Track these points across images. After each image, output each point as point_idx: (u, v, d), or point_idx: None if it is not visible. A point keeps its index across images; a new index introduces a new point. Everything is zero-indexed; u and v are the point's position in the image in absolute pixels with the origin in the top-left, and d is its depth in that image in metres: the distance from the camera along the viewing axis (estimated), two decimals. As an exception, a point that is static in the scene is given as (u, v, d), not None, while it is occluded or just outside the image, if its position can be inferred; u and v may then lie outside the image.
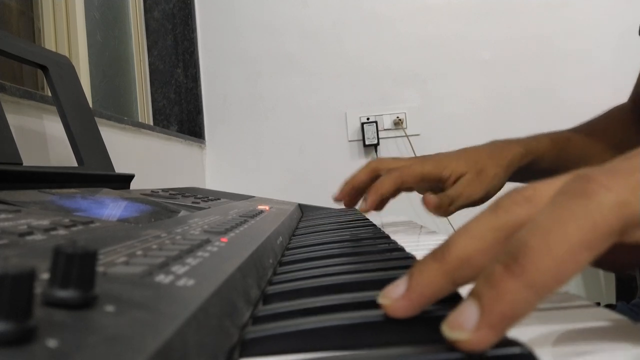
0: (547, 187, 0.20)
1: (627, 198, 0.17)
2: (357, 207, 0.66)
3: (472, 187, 0.60)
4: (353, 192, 0.64)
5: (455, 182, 0.60)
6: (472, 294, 0.17)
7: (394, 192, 0.61)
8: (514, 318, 0.16)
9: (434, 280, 0.19)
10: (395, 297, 0.19)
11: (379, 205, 0.61)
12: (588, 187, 0.17)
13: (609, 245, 0.17)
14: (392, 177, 0.60)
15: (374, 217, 0.80)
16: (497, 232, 0.20)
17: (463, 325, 0.16)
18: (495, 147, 0.64)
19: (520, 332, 0.19)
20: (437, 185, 0.62)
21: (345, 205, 0.65)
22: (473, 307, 0.17)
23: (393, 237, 0.50)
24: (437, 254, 0.20)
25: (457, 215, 0.62)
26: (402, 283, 0.20)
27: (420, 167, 0.62)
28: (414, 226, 0.71)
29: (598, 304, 0.31)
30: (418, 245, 0.45)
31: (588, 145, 0.69)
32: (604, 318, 0.22)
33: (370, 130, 1.70)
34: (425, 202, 0.58)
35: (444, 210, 0.59)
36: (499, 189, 0.62)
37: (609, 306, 0.63)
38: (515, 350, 0.17)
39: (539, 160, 0.65)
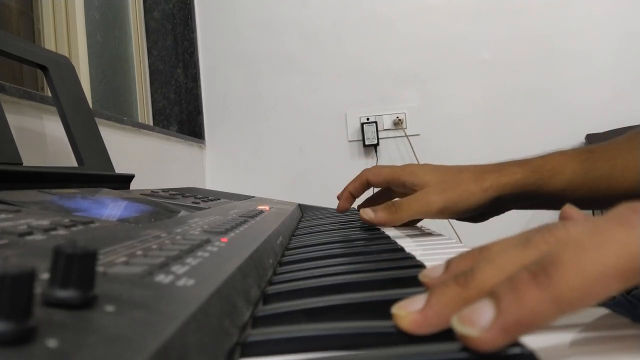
0: (580, 231, 0.19)
1: None
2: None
3: (428, 197, 0.56)
4: (353, 200, 0.68)
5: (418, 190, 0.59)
6: (491, 294, 0.17)
7: (362, 190, 0.67)
8: (529, 327, 0.16)
9: (453, 304, 0.19)
10: (411, 310, 0.19)
11: (350, 201, 0.67)
12: (633, 217, 0.17)
13: None
14: (359, 177, 0.67)
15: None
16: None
17: (475, 322, 0.16)
18: (484, 168, 0.59)
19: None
20: (406, 192, 0.61)
21: (342, 210, 0.68)
22: (489, 306, 0.16)
23: (393, 237, 0.50)
24: (461, 279, 0.20)
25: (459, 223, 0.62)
26: (420, 299, 0.20)
27: (388, 171, 0.64)
28: (413, 227, 0.71)
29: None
30: (418, 246, 0.45)
31: (616, 154, 0.56)
32: (604, 318, 0.22)
33: (370, 131, 1.70)
34: (361, 216, 0.59)
35: (385, 218, 0.57)
36: (472, 208, 0.55)
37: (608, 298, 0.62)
38: (515, 350, 0.17)
39: (552, 178, 0.56)
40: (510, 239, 0.21)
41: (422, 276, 0.23)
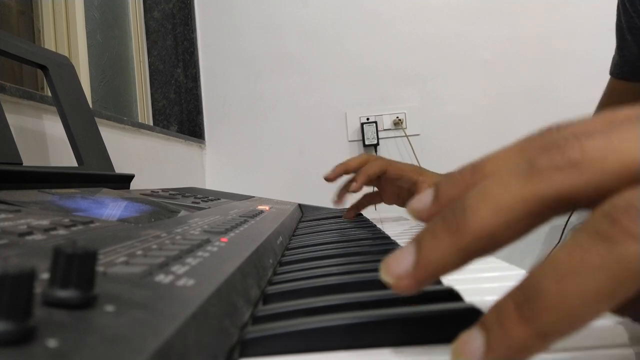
0: (598, 148, 0.16)
1: None
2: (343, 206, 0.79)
3: None
4: (342, 174, 0.76)
5: None
6: (482, 322, 0.16)
7: (379, 176, 0.74)
8: (519, 357, 0.16)
9: (447, 258, 0.17)
10: (401, 273, 0.18)
11: (367, 183, 0.72)
12: (612, 232, 0.15)
13: (631, 294, 0.15)
14: (378, 162, 0.74)
15: (372, 215, 0.81)
16: (530, 206, 0.16)
17: (469, 356, 0.16)
18: None
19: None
20: (410, 190, 0.72)
21: (329, 180, 0.76)
22: (479, 339, 0.16)
23: (393, 236, 0.50)
24: (451, 222, 0.17)
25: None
26: (408, 255, 0.18)
27: (402, 166, 0.75)
28: (410, 223, 0.71)
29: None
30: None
31: None
32: (604, 318, 0.22)
33: (370, 131, 1.70)
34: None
35: None
36: None
37: None
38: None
39: None
40: (510, 154, 0.18)
41: (410, 209, 0.20)
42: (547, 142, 0.17)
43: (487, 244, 0.17)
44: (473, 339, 0.16)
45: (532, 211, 0.16)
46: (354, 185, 0.73)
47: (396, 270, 0.18)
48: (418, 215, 0.20)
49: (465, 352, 0.16)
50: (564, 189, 0.16)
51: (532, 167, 0.17)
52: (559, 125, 0.18)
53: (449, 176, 0.20)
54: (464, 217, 0.17)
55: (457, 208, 0.17)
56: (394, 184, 0.77)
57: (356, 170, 0.77)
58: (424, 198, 0.20)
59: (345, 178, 0.79)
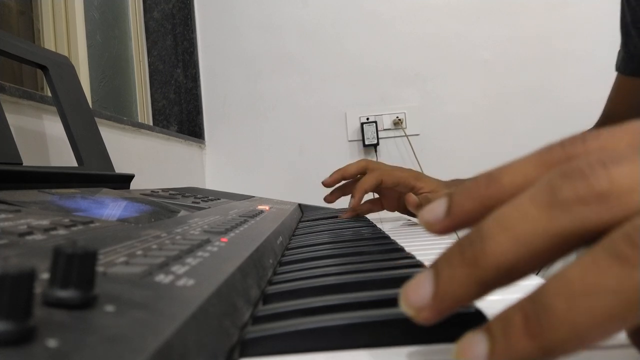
0: (628, 177, 0.15)
1: None
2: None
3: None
4: (340, 180, 0.77)
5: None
6: (488, 328, 0.16)
7: (375, 188, 0.74)
8: None
9: (465, 289, 0.17)
10: (420, 305, 0.17)
11: (362, 197, 0.74)
12: (631, 255, 0.14)
13: None
14: (374, 175, 0.74)
15: (373, 216, 0.81)
16: (552, 240, 0.16)
17: (471, 359, 0.16)
18: (459, 183, 0.75)
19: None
20: (396, 193, 0.75)
21: (326, 185, 0.79)
22: (483, 344, 0.16)
23: (392, 236, 0.50)
24: (469, 253, 0.17)
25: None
26: (426, 285, 0.17)
27: (399, 173, 0.75)
28: (411, 224, 0.71)
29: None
30: (418, 246, 0.45)
31: None
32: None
33: (370, 130, 1.70)
34: (407, 201, 0.67)
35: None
36: None
37: None
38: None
39: None
40: (529, 168, 0.17)
41: (422, 220, 0.20)
42: (572, 168, 0.16)
43: (506, 277, 0.16)
44: (477, 343, 0.16)
45: (554, 245, 0.16)
46: (352, 202, 0.75)
47: (415, 301, 0.17)
48: (430, 228, 0.19)
49: (467, 354, 0.16)
50: (589, 224, 0.15)
51: (555, 198, 0.16)
52: (584, 138, 0.17)
53: (463, 187, 0.19)
54: (483, 248, 0.16)
55: (475, 237, 0.17)
56: (394, 190, 0.78)
57: (354, 176, 0.78)
58: (436, 209, 0.19)
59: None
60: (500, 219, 0.16)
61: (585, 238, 0.15)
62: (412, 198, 0.67)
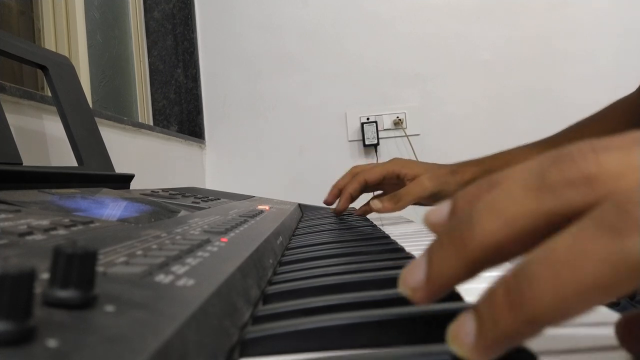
0: (616, 163, 0.15)
1: None
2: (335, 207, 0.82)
3: (423, 183, 0.71)
4: (339, 194, 0.78)
5: (411, 181, 0.73)
6: (475, 308, 0.16)
7: (361, 191, 0.77)
8: (509, 344, 0.15)
9: (455, 270, 0.17)
10: (414, 285, 0.18)
11: (350, 202, 0.77)
12: (621, 224, 0.14)
13: (627, 290, 0.14)
14: (356, 179, 0.77)
15: (373, 216, 0.81)
16: (538, 221, 0.16)
17: (462, 340, 0.16)
18: (452, 167, 0.74)
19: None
20: (398, 183, 0.76)
21: (328, 203, 0.80)
22: (471, 324, 0.16)
23: (393, 236, 0.50)
24: (457, 234, 0.17)
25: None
26: (420, 267, 0.18)
27: (381, 168, 0.77)
28: (410, 223, 0.72)
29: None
30: (418, 246, 0.45)
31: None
32: (605, 319, 0.22)
33: (370, 130, 1.70)
34: (371, 207, 0.72)
35: (391, 207, 0.71)
36: (450, 196, 0.62)
37: (613, 303, 0.63)
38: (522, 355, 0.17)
39: None
40: (525, 170, 0.17)
41: (426, 221, 0.20)
42: (562, 154, 0.16)
43: (494, 256, 0.17)
44: (465, 323, 0.16)
45: (539, 225, 0.16)
46: (338, 207, 0.78)
47: (410, 282, 0.18)
48: (434, 229, 0.20)
49: (458, 336, 0.16)
50: (574, 205, 0.15)
51: (542, 181, 0.16)
52: (584, 142, 0.18)
53: (467, 190, 0.20)
54: (470, 228, 0.17)
55: (465, 220, 0.17)
56: (390, 184, 0.79)
57: (360, 194, 0.80)
58: (440, 211, 0.20)
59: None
60: (489, 203, 0.17)
61: (572, 219, 0.15)
62: (372, 204, 0.72)
